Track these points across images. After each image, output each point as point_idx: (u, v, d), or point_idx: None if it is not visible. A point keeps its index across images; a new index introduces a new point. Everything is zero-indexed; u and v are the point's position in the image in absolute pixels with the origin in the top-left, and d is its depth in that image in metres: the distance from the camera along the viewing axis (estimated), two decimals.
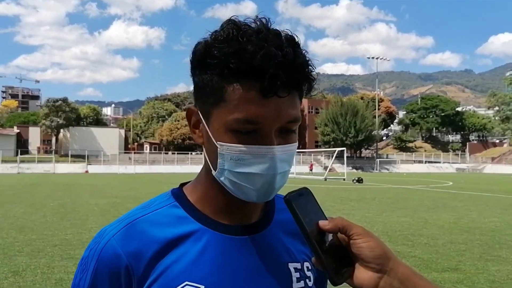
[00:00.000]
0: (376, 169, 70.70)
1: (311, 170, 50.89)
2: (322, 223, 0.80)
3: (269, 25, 0.84)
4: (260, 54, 0.79)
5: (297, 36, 0.85)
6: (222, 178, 0.88)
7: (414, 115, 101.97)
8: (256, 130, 0.83)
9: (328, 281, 0.82)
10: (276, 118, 0.82)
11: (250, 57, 0.79)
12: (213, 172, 0.89)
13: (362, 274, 0.78)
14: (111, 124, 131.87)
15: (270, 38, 0.81)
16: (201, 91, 0.88)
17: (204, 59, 0.85)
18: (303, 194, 0.82)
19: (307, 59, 0.84)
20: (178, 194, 0.97)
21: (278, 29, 0.85)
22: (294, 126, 0.87)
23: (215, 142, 0.86)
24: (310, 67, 0.85)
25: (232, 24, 0.83)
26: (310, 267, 0.98)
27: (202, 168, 0.96)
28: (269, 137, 0.83)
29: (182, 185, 1.01)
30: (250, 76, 0.80)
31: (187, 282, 0.86)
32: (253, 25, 0.84)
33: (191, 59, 0.90)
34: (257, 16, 0.85)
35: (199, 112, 0.90)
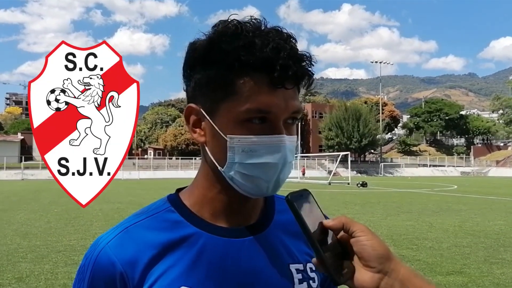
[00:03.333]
0: (381, 173, 70.48)
1: (303, 174, 50.28)
2: (325, 221, 0.80)
3: (266, 25, 0.87)
4: (269, 47, 0.81)
5: (292, 33, 0.87)
6: (231, 173, 0.86)
7: (418, 118, 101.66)
8: (266, 121, 0.84)
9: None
10: (285, 108, 0.84)
11: (260, 49, 0.81)
12: (220, 169, 0.87)
13: (363, 275, 0.77)
14: None
15: (274, 33, 0.84)
16: (205, 87, 0.87)
17: (209, 54, 0.85)
18: (303, 195, 0.83)
19: (308, 54, 0.87)
20: (174, 199, 0.96)
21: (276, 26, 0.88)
22: (298, 116, 0.89)
23: (223, 136, 0.85)
24: (311, 61, 0.87)
25: (235, 21, 0.85)
26: (314, 268, 0.95)
27: (199, 172, 0.96)
28: (279, 127, 0.85)
29: (179, 190, 0.99)
30: (260, 68, 0.82)
31: (183, 287, 0.85)
32: (248, 25, 0.86)
33: (190, 56, 0.89)
34: (251, 17, 0.86)
35: (201, 109, 0.89)
